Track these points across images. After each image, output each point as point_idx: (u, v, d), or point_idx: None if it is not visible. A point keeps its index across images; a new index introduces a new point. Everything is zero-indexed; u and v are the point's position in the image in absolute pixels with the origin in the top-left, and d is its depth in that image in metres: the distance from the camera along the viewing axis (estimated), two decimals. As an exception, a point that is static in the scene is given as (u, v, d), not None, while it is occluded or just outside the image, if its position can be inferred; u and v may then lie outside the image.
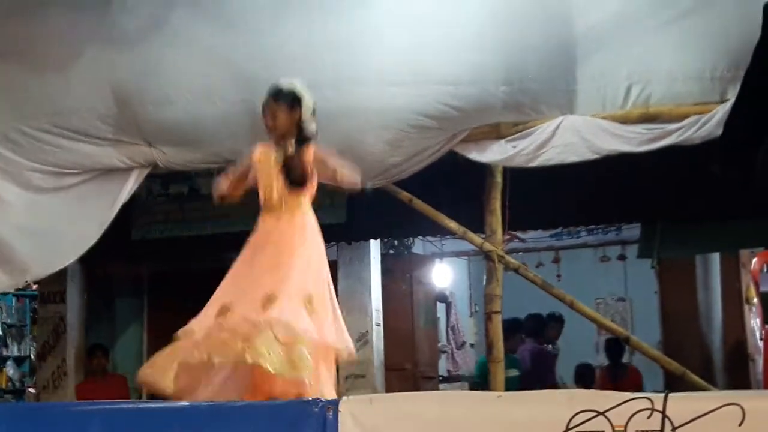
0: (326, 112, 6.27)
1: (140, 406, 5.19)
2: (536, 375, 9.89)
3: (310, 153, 5.25)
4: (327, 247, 9.68)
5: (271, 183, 5.27)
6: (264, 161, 5.32)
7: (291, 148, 5.21)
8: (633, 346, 7.23)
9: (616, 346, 10.32)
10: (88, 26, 6.75)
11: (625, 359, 11.82)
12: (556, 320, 10.58)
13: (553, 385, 10.20)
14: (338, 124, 5.70)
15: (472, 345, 14.57)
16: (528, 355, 10.08)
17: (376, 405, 4.39)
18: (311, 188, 5.31)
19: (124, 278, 11.82)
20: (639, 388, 9.95)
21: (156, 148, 6.85)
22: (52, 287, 10.82)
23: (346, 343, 5.22)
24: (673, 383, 7.46)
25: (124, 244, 9.54)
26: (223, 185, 5.47)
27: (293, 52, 6.38)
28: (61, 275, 10.53)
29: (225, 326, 5.04)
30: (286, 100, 5.27)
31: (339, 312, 5.25)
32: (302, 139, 5.24)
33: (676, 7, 6.06)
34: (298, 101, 5.26)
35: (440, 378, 12.55)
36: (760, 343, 9.16)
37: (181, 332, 5.18)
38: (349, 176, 5.32)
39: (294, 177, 5.21)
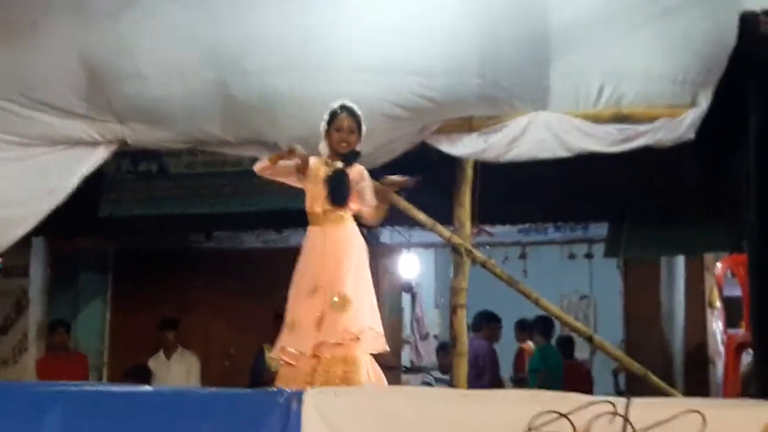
0: (297, 98, 6.30)
1: (103, 389, 5.18)
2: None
3: (356, 173, 5.62)
4: (295, 232, 9.80)
5: (317, 196, 5.59)
6: (315, 173, 5.62)
7: (339, 165, 5.59)
8: (596, 346, 7.26)
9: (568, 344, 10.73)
10: (60, -1, 6.68)
11: (585, 357, 11.98)
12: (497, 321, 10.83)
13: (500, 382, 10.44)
14: (309, 110, 5.69)
15: (435, 336, 14.60)
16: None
17: (340, 398, 4.41)
18: (353, 205, 5.66)
19: (89, 254, 11.77)
20: None
21: (126, 125, 6.79)
22: (15, 261, 10.74)
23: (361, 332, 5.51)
24: (635, 384, 7.52)
25: (90, 221, 9.49)
26: (264, 165, 5.72)
27: (267, 34, 6.34)
28: (24, 249, 10.47)
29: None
30: (357, 121, 5.62)
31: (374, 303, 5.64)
32: (351, 159, 5.61)
33: (651, 9, 6.06)
34: (360, 125, 5.63)
35: (403, 369, 12.57)
36: (721, 347, 9.25)
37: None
38: (369, 217, 5.82)
39: (335, 195, 5.56)
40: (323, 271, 5.52)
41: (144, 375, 9.27)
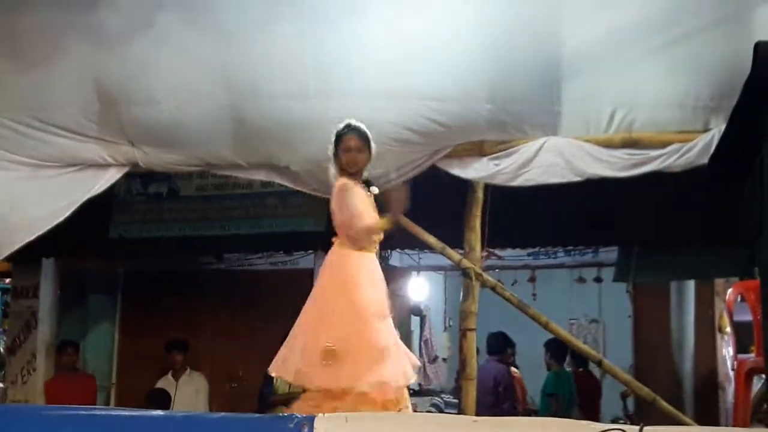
0: (309, 123, 6.31)
1: (113, 413, 5.14)
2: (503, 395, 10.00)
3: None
4: (305, 255, 9.80)
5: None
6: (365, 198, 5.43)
7: (375, 190, 5.46)
8: (605, 370, 7.23)
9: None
10: (74, 23, 6.73)
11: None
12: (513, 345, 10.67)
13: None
14: (322, 134, 5.67)
15: (444, 359, 14.56)
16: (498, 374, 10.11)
17: (351, 423, 4.37)
18: None
19: (98, 275, 11.76)
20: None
21: (138, 148, 6.82)
22: (25, 282, 10.76)
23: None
24: (644, 408, 7.48)
25: (100, 242, 9.51)
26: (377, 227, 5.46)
27: (281, 60, 6.38)
28: (34, 270, 10.49)
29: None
30: (365, 139, 5.45)
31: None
32: (369, 182, 5.47)
33: (663, 35, 6.08)
34: (369, 143, 5.45)
35: (411, 391, 12.49)
36: (731, 373, 9.18)
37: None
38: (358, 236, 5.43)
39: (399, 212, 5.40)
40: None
41: (163, 398, 9.24)
